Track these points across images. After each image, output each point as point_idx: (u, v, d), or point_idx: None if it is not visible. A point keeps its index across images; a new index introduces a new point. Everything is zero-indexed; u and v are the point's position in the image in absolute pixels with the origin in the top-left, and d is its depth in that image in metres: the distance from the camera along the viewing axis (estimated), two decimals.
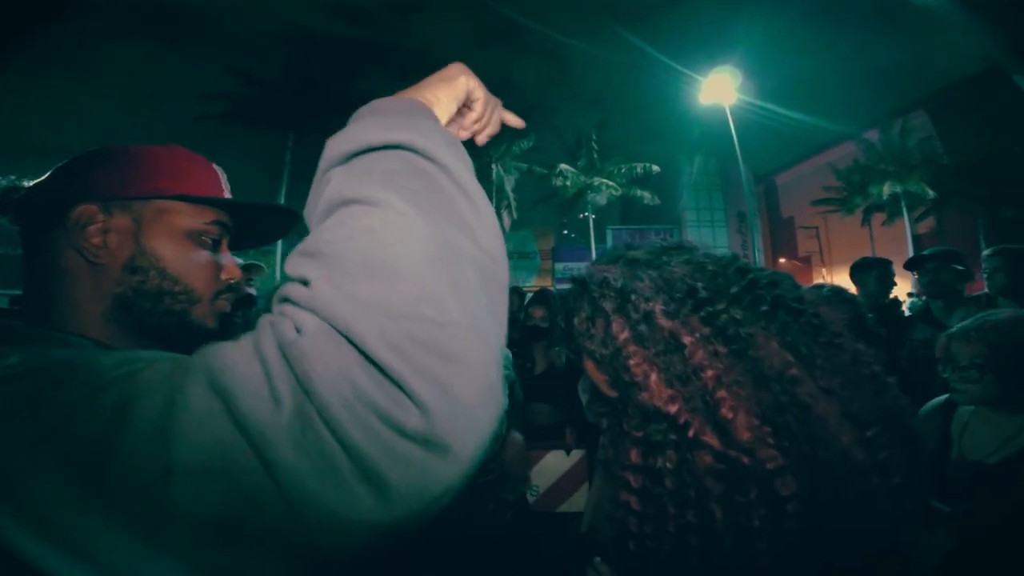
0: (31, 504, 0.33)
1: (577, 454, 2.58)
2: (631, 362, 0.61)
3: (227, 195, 0.72)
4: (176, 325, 0.65)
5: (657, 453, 0.61)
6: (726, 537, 0.56)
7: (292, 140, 22.87)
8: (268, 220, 0.80)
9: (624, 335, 0.62)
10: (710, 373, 0.57)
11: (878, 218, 22.50)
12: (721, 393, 0.56)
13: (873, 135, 22.62)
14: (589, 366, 0.69)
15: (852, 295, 2.01)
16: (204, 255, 0.67)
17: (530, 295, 3.72)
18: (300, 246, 0.41)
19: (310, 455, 0.32)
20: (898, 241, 21.19)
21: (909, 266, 2.65)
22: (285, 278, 0.41)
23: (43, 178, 0.64)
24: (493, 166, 23.23)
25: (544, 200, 25.72)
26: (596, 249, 24.34)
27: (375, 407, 0.32)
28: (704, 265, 0.64)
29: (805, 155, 31.31)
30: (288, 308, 0.37)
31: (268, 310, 0.90)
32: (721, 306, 0.60)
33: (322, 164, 0.45)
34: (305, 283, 0.38)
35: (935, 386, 1.99)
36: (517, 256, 25.97)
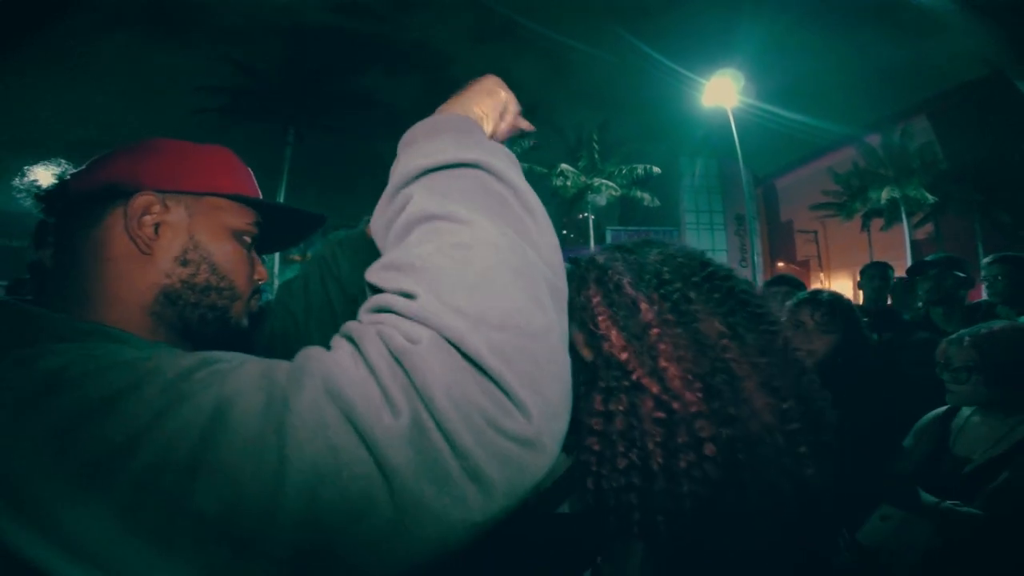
0: (119, 510, 0.33)
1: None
2: (599, 319, 0.74)
3: (256, 188, 0.74)
4: (216, 321, 0.65)
5: (613, 397, 0.73)
6: (660, 477, 0.68)
7: (292, 134, 22.82)
8: (291, 225, 0.81)
9: (597, 299, 0.76)
10: (655, 331, 0.71)
11: (877, 223, 22.55)
12: (662, 346, 0.70)
13: (874, 139, 22.67)
14: (573, 332, 0.80)
15: (848, 301, 2.01)
16: (245, 254, 0.69)
17: None
18: (388, 258, 0.43)
19: (426, 460, 0.34)
20: (896, 246, 21.25)
21: (911, 272, 2.65)
22: (374, 289, 0.43)
23: (84, 168, 0.63)
24: None
25: (544, 200, 25.68)
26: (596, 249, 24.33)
27: (484, 413, 0.35)
28: (674, 256, 0.79)
29: (805, 159, 31.33)
30: (391, 318, 0.38)
31: (282, 305, 0.88)
32: (678, 286, 0.73)
33: (395, 180, 0.48)
34: (406, 296, 0.39)
35: (933, 389, 2.02)
36: None
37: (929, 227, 22.24)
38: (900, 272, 3.59)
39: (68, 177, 0.63)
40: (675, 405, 0.68)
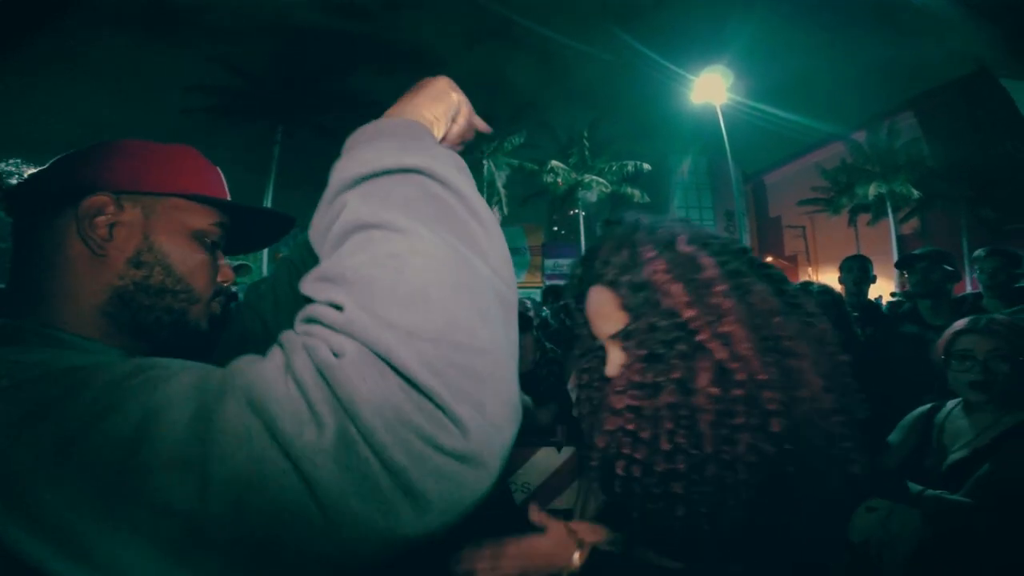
0: (46, 517, 0.33)
1: (568, 451, 2.57)
2: (657, 273, 0.67)
3: (224, 188, 0.72)
4: (172, 324, 0.64)
5: (663, 364, 0.65)
6: (712, 462, 0.62)
7: (280, 133, 22.61)
8: (263, 225, 0.80)
9: (651, 253, 0.69)
10: (721, 288, 0.65)
11: (863, 218, 22.79)
12: (728, 305, 0.63)
13: (861, 136, 22.89)
14: (600, 295, 0.74)
15: (839, 294, 2.04)
16: (205, 256, 0.67)
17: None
18: (320, 269, 0.42)
19: (352, 475, 0.33)
20: (883, 241, 21.50)
21: (900, 265, 2.68)
22: (306, 299, 0.41)
23: (46, 167, 0.62)
24: (484, 162, 23.16)
25: (535, 196, 25.69)
26: (586, 246, 24.38)
27: (418, 429, 0.34)
28: (716, 235, 0.75)
29: (793, 155, 31.60)
30: (319, 330, 0.38)
31: (250, 307, 0.87)
32: (727, 256, 0.69)
33: (333, 186, 0.45)
34: (336, 307, 0.38)
35: (922, 383, 2.05)
36: None
37: (915, 222, 22.53)
38: (886, 266, 3.62)
39: (29, 177, 0.62)
40: (741, 375, 0.62)
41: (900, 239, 21.93)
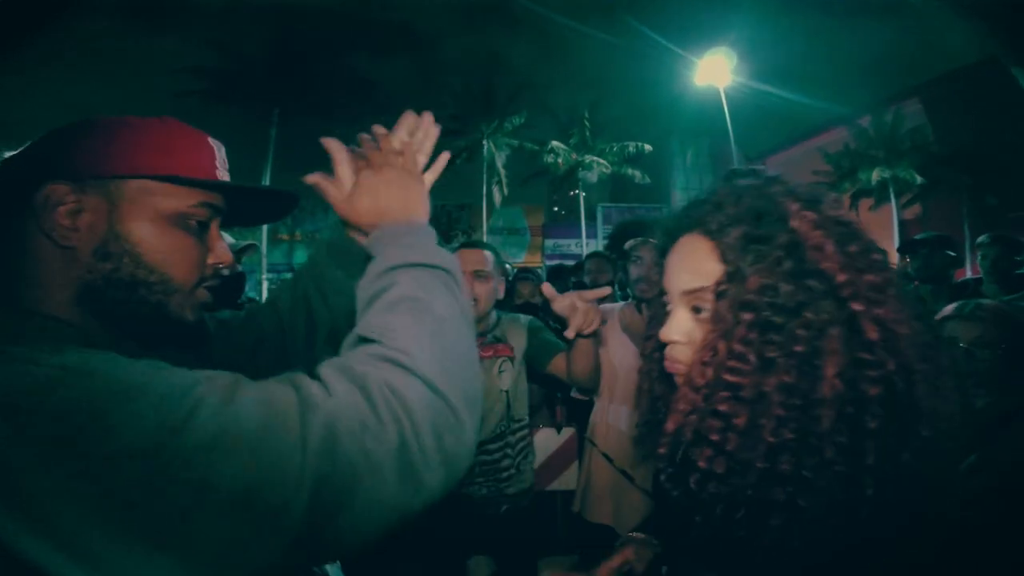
0: (166, 537, 0.39)
1: (568, 431, 2.59)
2: (805, 226, 0.56)
3: (222, 171, 0.67)
4: (150, 316, 0.61)
5: (779, 333, 0.53)
6: (827, 469, 0.50)
7: (277, 115, 22.34)
8: (264, 201, 0.77)
9: (795, 206, 0.58)
10: (877, 257, 0.57)
11: (866, 203, 22.66)
12: (887, 277, 0.55)
13: (865, 121, 22.63)
14: (695, 243, 0.65)
15: None
16: (187, 240, 0.62)
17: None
18: (381, 320, 0.56)
19: (401, 461, 0.47)
20: (885, 226, 21.40)
21: (903, 250, 2.67)
22: (366, 340, 0.55)
23: (15, 153, 0.59)
24: (484, 142, 22.94)
25: (535, 177, 25.52)
26: (586, 227, 24.31)
27: (444, 424, 0.50)
28: None
29: (796, 139, 31.27)
30: (385, 366, 0.51)
31: (274, 311, 0.88)
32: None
33: (386, 262, 0.62)
34: (398, 350, 0.53)
35: None
36: (507, 232, 25.84)
37: (917, 208, 22.40)
38: (888, 251, 3.61)
39: (1, 162, 0.60)
40: (889, 365, 0.51)
41: (902, 224, 21.83)
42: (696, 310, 0.65)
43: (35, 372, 0.42)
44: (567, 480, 2.50)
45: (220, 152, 0.68)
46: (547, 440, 2.58)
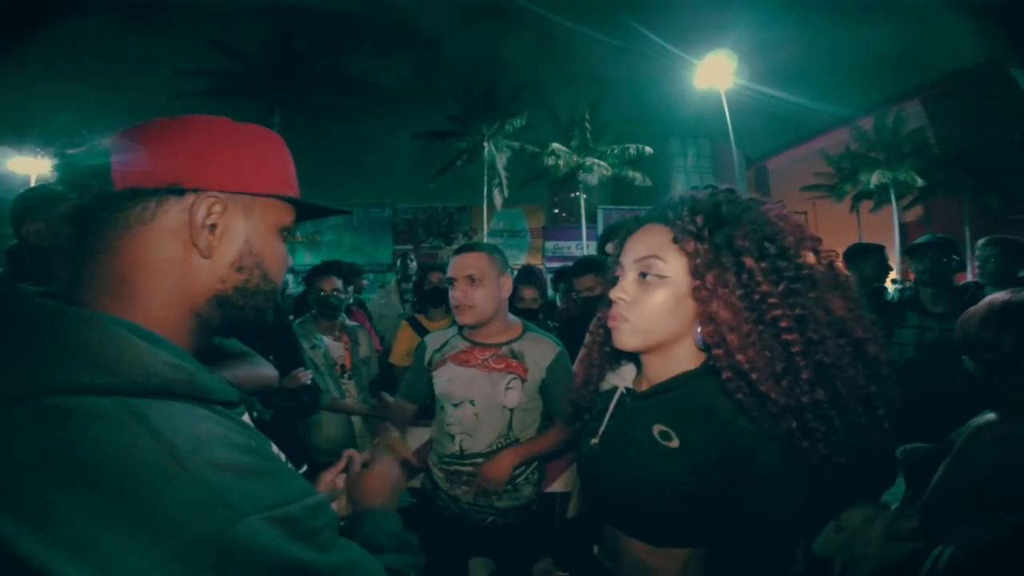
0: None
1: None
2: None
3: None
4: (253, 320, 0.64)
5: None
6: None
7: (278, 116, 22.37)
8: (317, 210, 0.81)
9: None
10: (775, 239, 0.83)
11: (866, 205, 22.65)
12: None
13: (866, 123, 22.63)
14: (656, 227, 0.89)
15: None
16: (284, 248, 0.68)
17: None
18: None
19: None
20: (885, 228, 21.38)
21: (907, 253, 2.65)
22: None
23: (129, 153, 0.56)
24: (485, 144, 22.95)
25: (535, 179, 25.51)
26: (586, 229, 24.31)
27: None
28: None
29: (797, 140, 31.28)
30: None
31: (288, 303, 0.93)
32: None
33: None
34: None
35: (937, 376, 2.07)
36: (507, 234, 25.84)
37: (918, 209, 22.38)
38: (888, 253, 3.58)
39: (111, 163, 0.56)
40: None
41: (902, 226, 21.82)
42: (643, 275, 0.86)
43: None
44: (566, 482, 2.48)
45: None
46: None
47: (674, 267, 0.84)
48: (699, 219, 0.83)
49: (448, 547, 1.75)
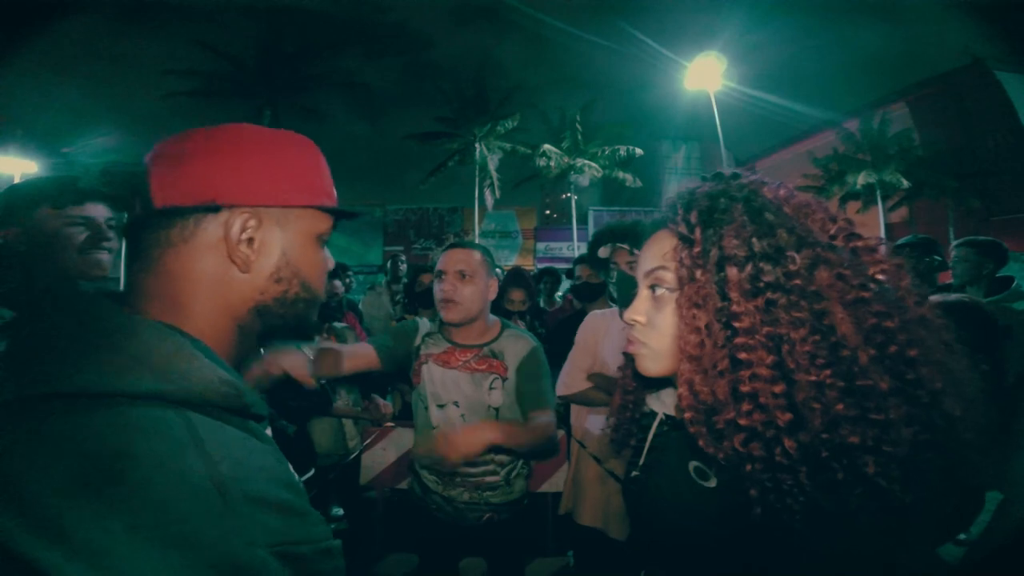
0: None
1: (558, 433, 2.58)
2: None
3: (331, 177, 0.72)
4: (295, 328, 0.66)
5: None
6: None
7: (268, 117, 22.20)
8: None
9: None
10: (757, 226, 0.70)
11: (853, 206, 22.90)
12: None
13: (853, 125, 22.91)
14: (663, 233, 0.77)
15: None
16: (323, 255, 0.68)
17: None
18: None
19: None
20: (871, 229, 20.91)
21: (891, 253, 2.69)
22: None
23: (163, 169, 0.57)
24: (477, 145, 22.93)
25: (527, 180, 25.55)
26: (577, 230, 24.37)
27: None
28: None
29: (786, 142, 31.60)
30: None
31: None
32: None
33: None
34: None
35: None
36: (499, 235, 25.87)
37: (903, 211, 22.69)
38: None
39: (150, 181, 0.57)
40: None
41: (888, 227, 22.11)
42: (653, 289, 0.76)
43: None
44: (557, 482, 2.49)
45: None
46: None
47: (672, 277, 0.73)
48: (692, 216, 0.70)
49: (441, 549, 1.76)
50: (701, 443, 0.65)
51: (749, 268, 0.64)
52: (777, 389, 0.59)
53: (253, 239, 0.59)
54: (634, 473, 0.88)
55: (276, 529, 0.47)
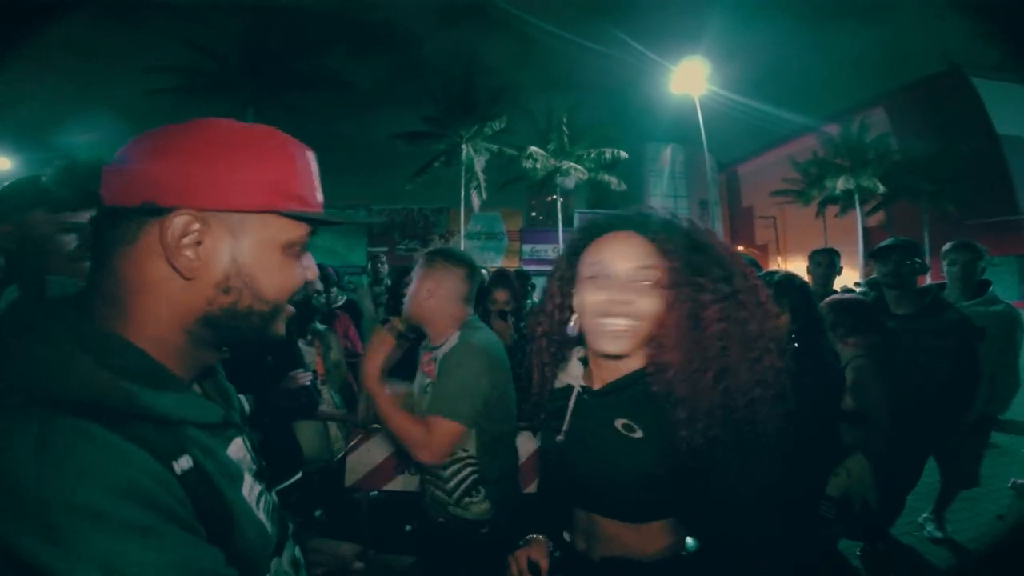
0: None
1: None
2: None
3: (317, 180, 0.65)
4: (254, 339, 0.61)
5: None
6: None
7: (252, 114, 21.93)
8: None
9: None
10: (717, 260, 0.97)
11: (832, 210, 23.35)
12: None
13: (833, 129, 23.35)
14: (636, 237, 0.98)
15: (802, 280, 2.12)
16: (294, 265, 0.62)
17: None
18: None
19: None
20: (849, 232, 22.08)
21: (873, 256, 2.73)
22: None
23: (119, 170, 0.54)
24: (464, 146, 22.91)
25: (513, 182, 25.59)
26: (563, 232, 24.45)
27: None
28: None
29: (767, 147, 32.14)
30: None
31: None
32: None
33: None
34: None
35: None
36: (485, 237, 25.86)
37: (881, 215, 23.20)
38: (852, 256, 3.78)
39: (103, 177, 0.55)
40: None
41: (866, 231, 22.57)
42: (634, 282, 0.93)
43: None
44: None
45: (315, 164, 0.65)
46: (524, 444, 2.57)
47: (656, 276, 0.93)
48: (677, 240, 0.94)
49: (436, 545, 1.76)
50: (655, 388, 0.90)
51: (716, 285, 0.92)
52: (714, 359, 0.89)
53: (198, 241, 0.54)
54: (559, 438, 1.03)
55: (107, 549, 0.43)
